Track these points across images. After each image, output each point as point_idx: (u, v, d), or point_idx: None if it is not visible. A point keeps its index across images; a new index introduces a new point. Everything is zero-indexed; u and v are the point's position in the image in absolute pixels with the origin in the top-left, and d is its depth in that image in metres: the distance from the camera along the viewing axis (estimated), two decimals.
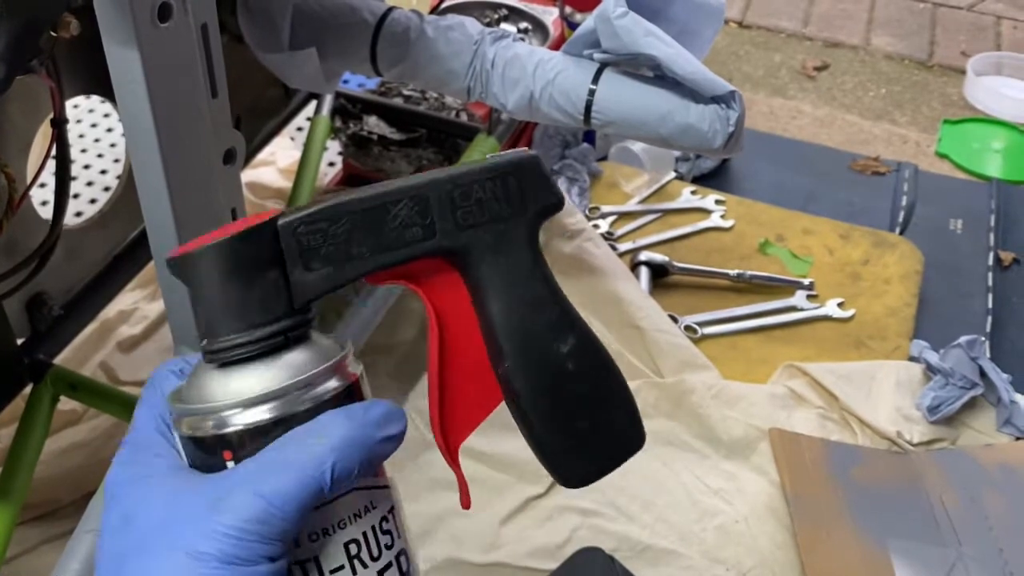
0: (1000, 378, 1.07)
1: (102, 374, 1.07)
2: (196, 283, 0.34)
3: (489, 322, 0.38)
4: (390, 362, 1.13)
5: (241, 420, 0.33)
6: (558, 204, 0.39)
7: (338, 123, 1.15)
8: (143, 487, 0.34)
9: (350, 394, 0.35)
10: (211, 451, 0.33)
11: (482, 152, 1.08)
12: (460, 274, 0.38)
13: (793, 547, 0.94)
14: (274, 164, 1.34)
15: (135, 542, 0.32)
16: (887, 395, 1.08)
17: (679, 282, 1.25)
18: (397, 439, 0.35)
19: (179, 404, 0.34)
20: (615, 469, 0.41)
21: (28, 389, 0.78)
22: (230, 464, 0.33)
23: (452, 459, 0.39)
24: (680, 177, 1.42)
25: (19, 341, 0.74)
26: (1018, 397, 1.07)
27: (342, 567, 0.33)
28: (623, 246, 1.29)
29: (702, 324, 1.19)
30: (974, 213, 1.41)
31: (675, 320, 1.18)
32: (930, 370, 1.09)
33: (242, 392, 0.33)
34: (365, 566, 0.34)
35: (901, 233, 1.36)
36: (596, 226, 1.31)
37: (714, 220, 1.34)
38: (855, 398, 1.06)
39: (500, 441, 1.01)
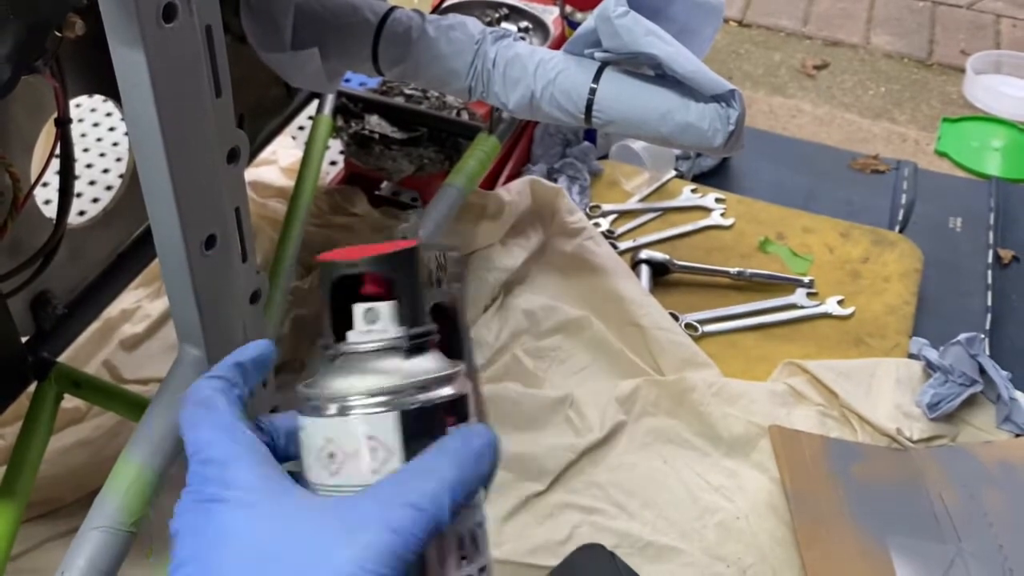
0: (1000, 375, 1.08)
1: (105, 372, 1.08)
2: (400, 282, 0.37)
3: None
4: None
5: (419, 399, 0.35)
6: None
7: (340, 122, 1.15)
8: (251, 508, 0.34)
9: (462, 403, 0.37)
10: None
11: (483, 151, 1.08)
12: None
13: (793, 544, 0.94)
14: (276, 163, 1.35)
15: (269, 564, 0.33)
16: (887, 392, 1.08)
17: (679, 280, 1.25)
18: (495, 466, 0.37)
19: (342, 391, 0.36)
20: None
21: (32, 387, 0.79)
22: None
23: None
24: (680, 175, 1.42)
25: (23, 339, 0.75)
26: (1017, 394, 1.08)
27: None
28: (623, 244, 1.30)
29: (702, 322, 1.19)
30: (973, 211, 1.41)
31: (676, 318, 1.18)
32: (930, 367, 1.10)
33: (413, 373, 0.36)
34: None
35: (901, 231, 1.36)
36: (597, 224, 1.32)
37: (714, 218, 1.35)
38: (855, 395, 1.07)
39: (502, 439, 1.01)
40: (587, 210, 1.34)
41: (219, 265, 0.60)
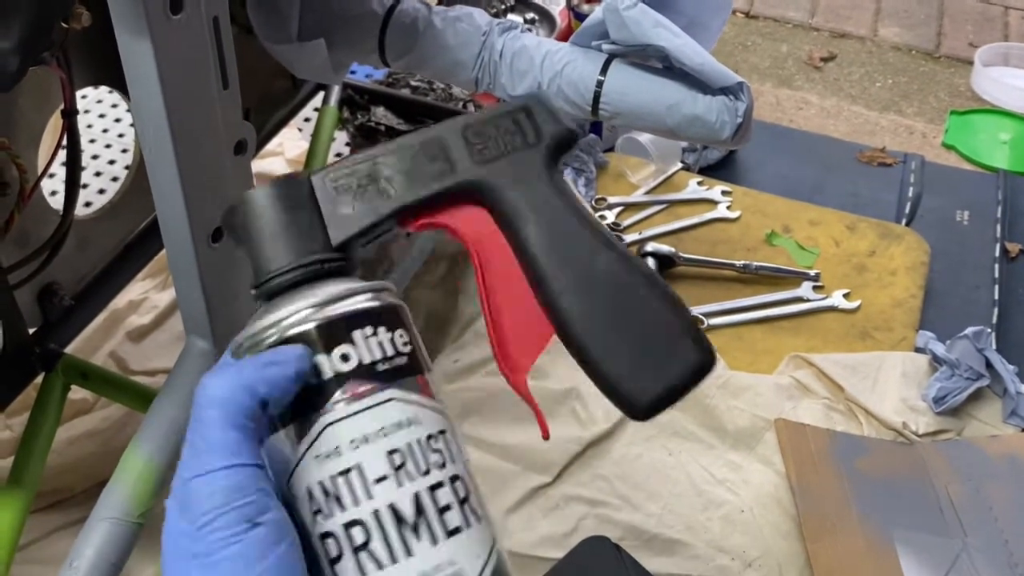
0: (1006, 369, 1.07)
1: (112, 364, 1.08)
2: (245, 231, 0.37)
3: (524, 252, 0.38)
4: None
5: (286, 331, 0.34)
6: (571, 134, 0.40)
7: (346, 114, 1.15)
8: None
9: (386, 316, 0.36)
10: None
11: None
12: (488, 209, 0.39)
13: (798, 537, 0.94)
14: (282, 155, 1.35)
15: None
16: (893, 386, 1.08)
17: (685, 273, 1.25)
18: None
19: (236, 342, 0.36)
20: (686, 391, 0.37)
21: (39, 378, 0.79)
22: None
23: (520, 390, 0.39)
24: (687, 168, 1.42)
25: (30, 330, 0.75)
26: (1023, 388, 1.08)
27: (385, 477, 0.33)
28: (629, 237, 1.29)
29: (708, 315, 1.19)
30: (981, 204, 1.41)
31: None
32: (936, 361, 1.09)
33: (285, 312, 0.35)
34: (412, 479, 0.33)
35: (908, 224, 1.36)
36: (603, 217, 1.31)
37: (720, 211, 1.34)
38: (861, 389, 1.07)
39: (506, 431, 1.01)
40: (593, 202, 1.34)
41: (226, 257, 0.60)
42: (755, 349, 1.15)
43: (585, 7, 1.38)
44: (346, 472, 0.33)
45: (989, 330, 1.20)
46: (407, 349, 0.35)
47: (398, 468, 0.33)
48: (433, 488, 0.33)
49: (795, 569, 0.93)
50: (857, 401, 1.06)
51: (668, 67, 0.79)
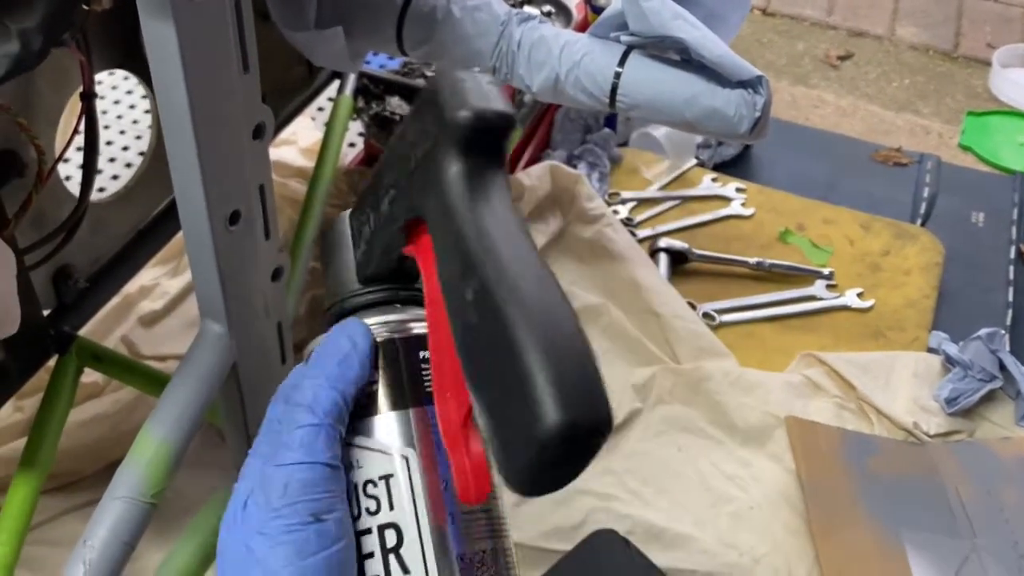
0: (1020, 371, 1.07)
1: (123, 348, 1.08)
2: (326, 253, 0.40)
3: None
4: None
5: None
6: (479, 118, 0.31)
7: (360, 103, 1.15)
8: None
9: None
10: None
11: None
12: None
13: (807, 534, 0.94)
14: (295, 144, 1.35)
15: None
16: (905, 386, 1.08)
17: (698, 269, 1.25)
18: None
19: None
20: (562, 461, 0.28)
21: (53, 360, 0.79)
22: None
23: (450, 443, 0.34)
24: (701, 164, 1.42)
25: (45, 312, 0.75)
26: None
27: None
28: (642, 232, 1.29)
29: (720, 312, 1.18)
30: (996, 206, 1.40)
31: (693, 307, 1.18)
32: (949, 362, 1.09)
33: None
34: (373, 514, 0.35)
35: (923, 225, 1.35)
36: (616, 212, 1.31)
37: (734, 208, 1.34)
38: (872, 388, 1.06)
39: None
40: (606, 197, 1.33)
41: (242, 241, 0.60)
42: (767, 347, 1.15)
43: (602, 0, 1.37)
44: (387, 476, 0.34)
45: (1003, 332, 1.19)
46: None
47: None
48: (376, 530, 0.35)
49: (804, 566, 0.92)
50: (869, 400, 1.05)
51: (686, 60, 0.79)
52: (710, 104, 0.78)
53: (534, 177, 1.17)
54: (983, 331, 1.07)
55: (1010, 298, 1.24)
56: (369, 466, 0.35)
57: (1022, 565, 0.91)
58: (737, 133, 0.79)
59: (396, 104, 1.13)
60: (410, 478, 0.35)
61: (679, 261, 1.24)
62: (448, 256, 0.32)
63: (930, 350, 1.13)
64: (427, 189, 0.33)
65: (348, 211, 0.40)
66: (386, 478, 0.35)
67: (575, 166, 1.33)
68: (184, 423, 0.59)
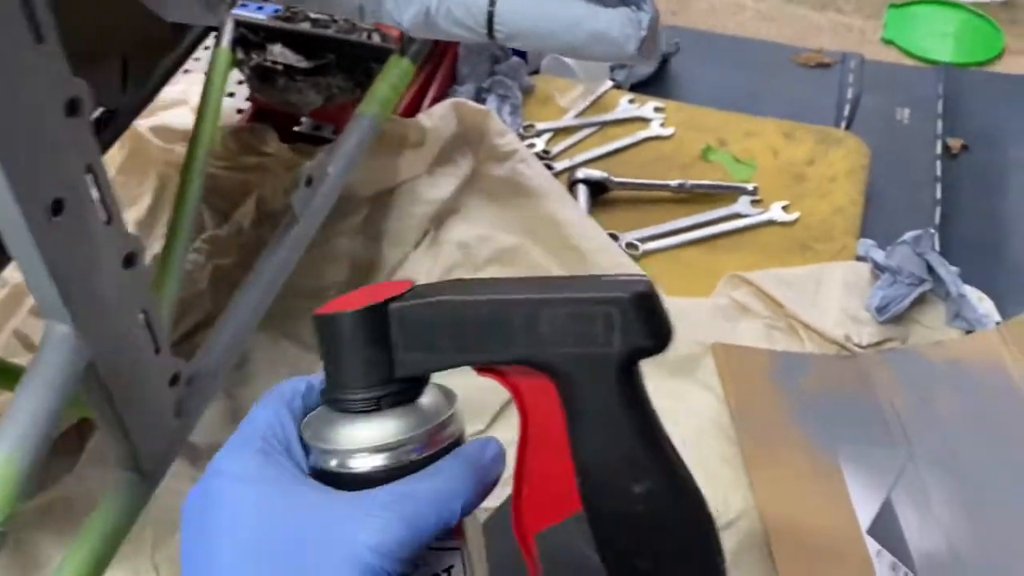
0: (948, 272, 1.04)
1: (16, 342, 1.02)
2: (326, 341, 0.41)
3: (576, 449, 0.40)
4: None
5: (361, 464, 0.39)
6: (656, 347, 0.40)
7: (240, 54, 1.07)
8: (273, 486, 0.37)
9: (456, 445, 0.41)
10: (341, 481, 0.39)
11: (396, 75, 1.01)
12: (555, 386, 0.40)
13: (742, 463, 0.92)
14: (187, 103, 1.26)
15: (286, 540, 0.35)
16: (834, 298, 1.05)
17: (619, 198, 1.20)
18: (500, 477, 0.41)
19: (313, 440, 0.40)
20: None
21: None
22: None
23: (524, 548, 0.41)
24: (618, 86, 1.36)
25: None
26: (967, 289, 1.05)
27: None
28: (560, 164, 1.24)
29: (644, 240, 1.14)
30: (921, 101, 1.36)
31: (616, 238, 1.14)
32: (878, 269, 1.06)
33: (352, 441, 0.39)
34: None
35: (847, 127, 1.31)
36: (531, 145, 1.25)
37: (654, 129, 1.29)
38: (801, 303, 1.03)
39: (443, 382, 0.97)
40: (520, 130, 1.27)
41: (73, 231, 0.54)
42: (693, 271, 1.11)
43: None
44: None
45: (932, 231, 1.17)
46: None
47: None
48: None
49: (739, 495, 0.90)
50: (797, 316, 1.03)
51: None
52: (593, 27, 0.72)
53: (436, 118, 1.11)
54: (908, 235, 1.04)
55: (938, 195, 1.22)
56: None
57: (960, 473, 0.90)
58: (626, 55, 0.73)
59: (279, 52, 1.05)
60: None
61: (599, 191, 1.19)
62: (599, 438, 0.39)
63: (858, 258, 1.10)
64: (593, 378, 0.39)
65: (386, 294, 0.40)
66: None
67: (484, 100, 1.26)
68: (32, 436, 0.54)
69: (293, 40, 1.05)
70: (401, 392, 0.40)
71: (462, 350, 0.40)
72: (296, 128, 1.15)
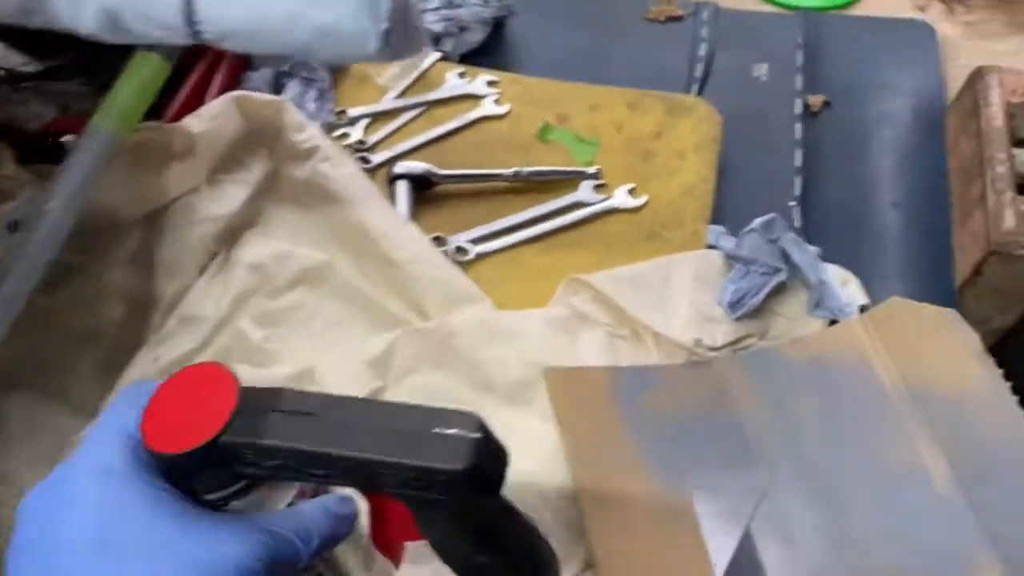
0: (806, 255, 0.93)
1: None
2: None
3: (422, 529, 0.49)
4: (98, 354, 0.91)
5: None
6: (491, 495, 0.48)
7: None
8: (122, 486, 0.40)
9: None
10: None
11: (143, 75, 0.82)
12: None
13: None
14: None
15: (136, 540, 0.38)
16: (684, 295, 0.93)
17: (446, 193, 1.05)
18: (351, 520, 0.48)
19: None
20: None
21: None
22: None
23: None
24: (445, 57, 1.20)
25: None
26: (828, 273, 0.94)
27: None
28: (379, 156, 1.08)
29: (475, 241, 1.00)
30: (780, 54, 1.24)
31: (443, 242, 0.99)
32: (731, 256, 0.95)
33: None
34: None
35: (700, 92, 1.18)
36: (345, 135, 1.09)
37: (487, 107, 1.14)
38: (645, 305, 0.91)
39: None
40: (331, 118, 1.10)
41: None
42: (530, 274, 0.98)
43: None
44: None
45: (791, 203, 1.07)
46: None
47: None
48: None
49: (584, 548, 0.79)
50: (642, 321, 0.90)
51: None
52: (319, 20, 0.57)
53: (209, 118, 0.93)
54: (757, 221, 0.92)
55: (798, 162, 1.11)
56: None
57: (824, 489, 0.80)
58: (367, 54, 0.58)
59: (1, 55, 0.86)
60: None
61: (423, 186, 1.04)
62: (444, 541, 0.51)
63: (710, 246, 0.98)
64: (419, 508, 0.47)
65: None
66: None
67: (284, 86, 1.09)
68: None
69: (17, 38, 0.86)
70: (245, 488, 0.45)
71: (301, 474, 0.43)
72: (49, 143, 0.95)
